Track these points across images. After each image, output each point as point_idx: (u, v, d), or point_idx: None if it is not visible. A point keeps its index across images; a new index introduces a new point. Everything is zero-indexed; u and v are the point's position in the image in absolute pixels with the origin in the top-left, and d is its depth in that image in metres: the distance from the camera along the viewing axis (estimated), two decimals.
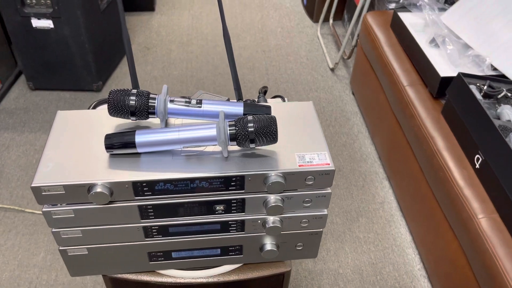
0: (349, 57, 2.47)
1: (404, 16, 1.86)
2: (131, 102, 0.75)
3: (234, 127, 0.72)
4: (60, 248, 0.80)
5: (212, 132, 0.73)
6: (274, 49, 2.67)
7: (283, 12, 3.00)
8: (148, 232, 0.80)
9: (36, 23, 2.05)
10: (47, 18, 2.03)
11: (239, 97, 0.85)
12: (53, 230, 0.77)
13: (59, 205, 0.74)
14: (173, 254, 0.85)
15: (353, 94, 2.36)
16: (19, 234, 1.68)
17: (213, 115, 0.78)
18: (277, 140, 0.73)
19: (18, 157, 1.97)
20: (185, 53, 2.62)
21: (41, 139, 2.06)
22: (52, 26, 2.06)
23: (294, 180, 0.74)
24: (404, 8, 1.93)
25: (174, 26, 2.84)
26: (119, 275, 0.90)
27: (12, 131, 2.09)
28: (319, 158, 0.75)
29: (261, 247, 0.86)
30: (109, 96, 0.75)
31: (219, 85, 2.40)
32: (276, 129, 0.72)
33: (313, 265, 1.62)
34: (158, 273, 0.91)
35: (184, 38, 2.74)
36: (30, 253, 1.62)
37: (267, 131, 0.71)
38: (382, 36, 1.94)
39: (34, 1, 2.00)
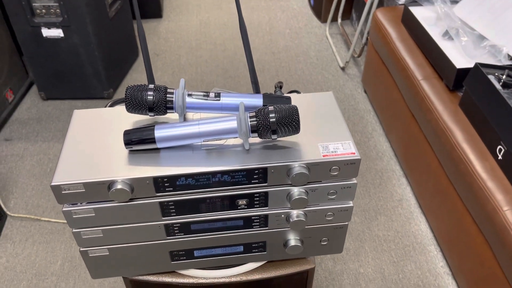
0: (359, 55, 2.44)
1: (415, 11, 1.83)
2: (148, 97, 0.73)
3: (255, 118, 0.70)
4: (81, 249, 0.79)
5: (233, 124, 0.71)
6: (283, 50, 2.66)
7: (290, 14, 2.99)
8: (169, 230, 0.78)
9: (46, 32, 2.05)
10: (57, 27, 2.04)
11: (257, 90, 0.83)
12: (74, 230, 0.75)
13: (79, 204, 0.72)
14: (195, 253, 0.83)
15: (365, 92, 2.33)
16: (36, 243, 1.67)
17: (232, 108, 0.76)
18: (299, 130, 0.71)
19: (32, 167, 1.97)
20: (194, 57, 2.62)
21: (54, 148, 2.06)
22: (62, 35, 2.06)
23: (318, 171, 0.72)
24: (414, 2, 1.91)
25: (182, 32, 2.84)
26: (140, 277, 0.88)
27: (26, 141, 2.10)
28: (344, 148, 0.73)
29: (285, 243, 0.84)
30: (126, 92, 0.74)
31: (230, 88, 2.39)
32: (299, 119, 0.69)
33: (333, 265, 1.59)
34: (180, 273, 0.89)
35: (192, 43, 2.74)
36: (48, 262, 1.61)
37: (290, 121, 0.69)
38: (393, 32, 1.92)
39: (44, 10, 2.01)
